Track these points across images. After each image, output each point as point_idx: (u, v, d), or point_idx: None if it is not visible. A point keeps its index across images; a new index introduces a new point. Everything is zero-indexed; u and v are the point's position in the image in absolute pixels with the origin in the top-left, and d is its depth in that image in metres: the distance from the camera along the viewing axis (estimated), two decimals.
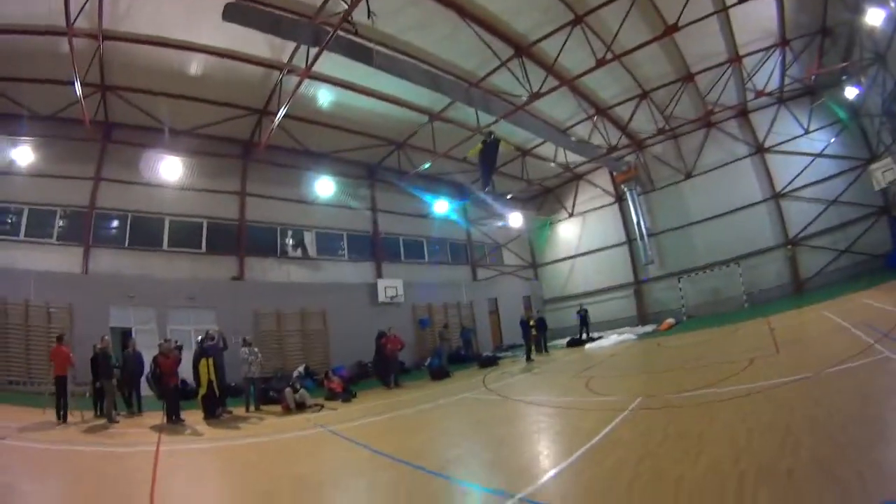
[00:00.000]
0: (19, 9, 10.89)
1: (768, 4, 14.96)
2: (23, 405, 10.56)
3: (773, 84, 18.88)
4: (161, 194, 16.62)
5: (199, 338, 11.84)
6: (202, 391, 10.68)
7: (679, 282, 23.74)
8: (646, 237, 23.84)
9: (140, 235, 16.21)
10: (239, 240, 18.25)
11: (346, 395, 12.97)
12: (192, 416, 10.38)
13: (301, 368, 16.15)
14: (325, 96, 16.48)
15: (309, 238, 20.50)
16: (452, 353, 20.85)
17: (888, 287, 14.07)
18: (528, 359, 16.93)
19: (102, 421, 9.94)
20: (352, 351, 18.23)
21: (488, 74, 16.17)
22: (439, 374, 15.98)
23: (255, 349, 12.60)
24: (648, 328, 22.03)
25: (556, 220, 29.92)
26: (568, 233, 29.30)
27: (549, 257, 30.28)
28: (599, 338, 20.42)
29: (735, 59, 17.72)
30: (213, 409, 10.66)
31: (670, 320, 21.62)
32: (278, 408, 11.63)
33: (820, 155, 20.31)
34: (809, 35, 17.05)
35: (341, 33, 11.03)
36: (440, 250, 25.97)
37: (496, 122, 16.40)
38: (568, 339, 21.89)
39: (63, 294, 13.73)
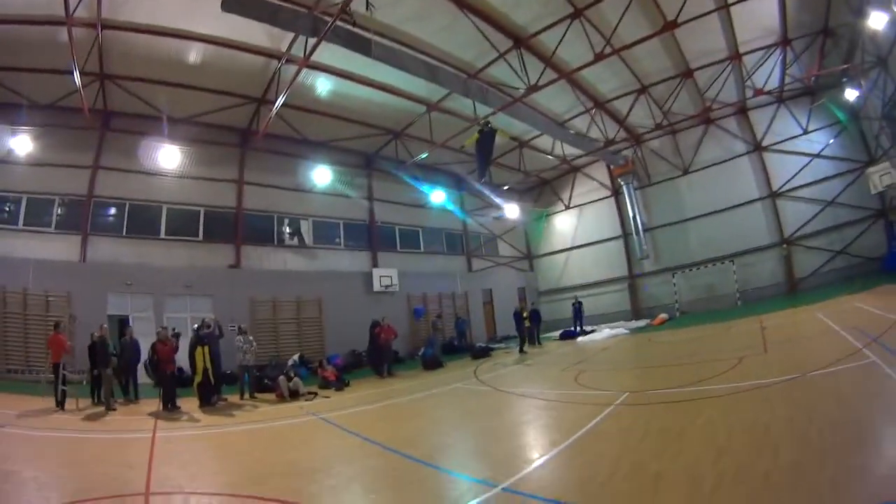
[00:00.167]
0: None
1: (770, 3, 14.90)
2: (21, 393, 10.68)
3: (773, 83, 18.83)
4: (159, 182, 16.65)
5: (196, 326, 11.95)
6: (198, 379, 10.80)
7: (673, 277, 23.89)
8: (641, 231, 23.95)
9: (138, 223, 16.25)
10: (236, 228, 18.29)
11: (340, 383, 13.14)
12: (188, 404, 10.53)
13: (296, 357, 16.27)
14: (323, 85, 16.45)
15: (305, 226, 20.58)
16: (446, 343, 21.06)
17: (882, 291, 14.19)
18: (521, 350, 17.12)
19: (100, 408, 10.06)
20: (347, 339, 18.36)
21: (486, 66, 16.13)
22: (432, 364, 16.17)
23: (250, 337, 12.72)
24: (641, 323, 22.22)
25: (552, 212, 29.96)
26: (564, 225, 29.37)
27: (544, 249, 30.37)
28: (592, 331, 20.63)
29: (735, 56, 17.69)
30: (209, 397, 10.82)
31: (663, 315, 21.79)
32: (272, 395, 11.80)
33: (818, 156, 20.34)
34: (811, 35, 17.01)
35: (339, 23, 11.02)
36: (436, 240, 26.05)
37: (494, 113, 16.39)
38: (561, 331, 22.06)
39: (61, 282, 13.81)
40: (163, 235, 16.73)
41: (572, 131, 21.94)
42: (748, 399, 6.02)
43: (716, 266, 22.62)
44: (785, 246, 20.96)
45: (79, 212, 15.16)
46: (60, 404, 9.70)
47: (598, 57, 14.53)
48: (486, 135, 14.85)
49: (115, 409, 10.00)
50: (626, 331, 19.94)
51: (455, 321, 22.85)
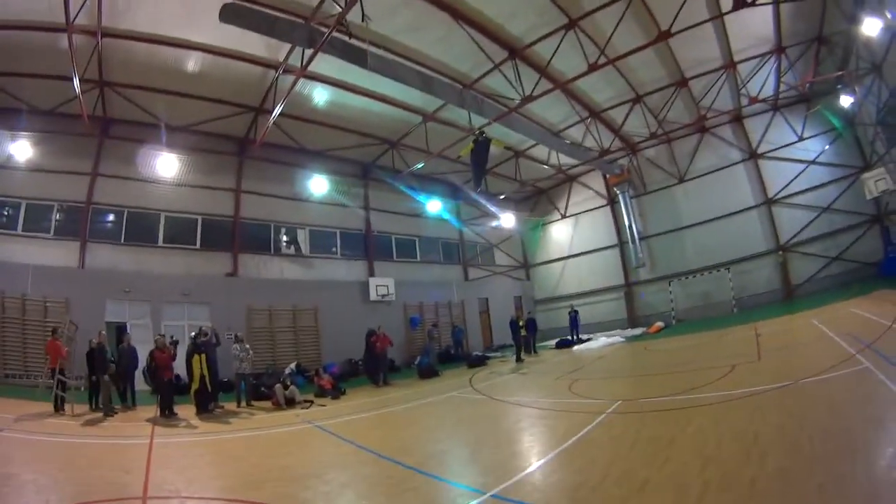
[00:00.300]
0: (20, 5, 10.97)
1: (765, 11, 15.01)
2: (19, 398, 10.72)
3: (768, 91, 19.07)
4: (157, 190, 16.73)
5: (193, 334, 12.00)
6: (195, 386, 10.82)
7: (669, 285, 23.94)
8: (637, 240, 24.06)
9: (136, 231, 16.32)
10: (233, 236, 18.35)
11: (336, 392, 13.16)
12: (185, 411, 10.55)
13: (293, 365, 16.27)
14: (320, 95, 16.57)
15: (302, 235, 20.64)
16: (442, 352, 21.07)
17: (877, 296, 14.24)
18: (518, 359, 17.14)
19: (98, 414, 10.09)
20: (343, 348, 18.36)
21: (482, 77, 16.28)
22: (428, 373, 16.19)
23: (247, 346, 12.76)
24: (637, 331, 22.25)
25: (548, 221, 30.06)
26: (560, 234, 29.45)
27: (540, 258, 30.44)
28: (588, 340, 20.66)
29: (730, 65, 17.88)
30: (206, 404, 10.86)
31: (659, 324, 21.85)
32: (269, 403, 11.83)
33: (813, 162, 20.50)
34: (806, 43, 17.23)
35: (336, 35, 11.17)
36: (432, 250, 26.12)
37: (489, 123, 16.51)
38: (557, 340, 22.08)
39: (60, 288, 13.84)
40: (161, 243, 16.80)
41: (568, 141, 22.10)
42: (739, 407, 6.05)
43: (712, 274, 22.68)
44: (781, 253, 21.05)
45: (77, 218, 15.22)
46: (58, 409, 9.72)
47: (593, 67, 14.70)
48: (481, 144, 14.95)
49: (112, 416, 10.03)
50: (622, 339, 19.98)
51: (451, 330, 22.86)
